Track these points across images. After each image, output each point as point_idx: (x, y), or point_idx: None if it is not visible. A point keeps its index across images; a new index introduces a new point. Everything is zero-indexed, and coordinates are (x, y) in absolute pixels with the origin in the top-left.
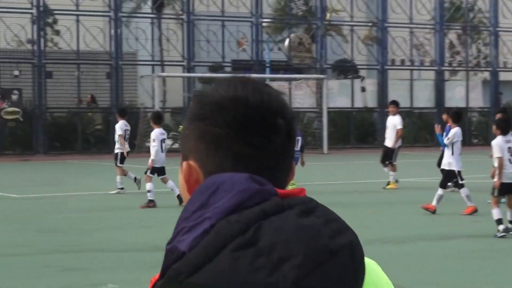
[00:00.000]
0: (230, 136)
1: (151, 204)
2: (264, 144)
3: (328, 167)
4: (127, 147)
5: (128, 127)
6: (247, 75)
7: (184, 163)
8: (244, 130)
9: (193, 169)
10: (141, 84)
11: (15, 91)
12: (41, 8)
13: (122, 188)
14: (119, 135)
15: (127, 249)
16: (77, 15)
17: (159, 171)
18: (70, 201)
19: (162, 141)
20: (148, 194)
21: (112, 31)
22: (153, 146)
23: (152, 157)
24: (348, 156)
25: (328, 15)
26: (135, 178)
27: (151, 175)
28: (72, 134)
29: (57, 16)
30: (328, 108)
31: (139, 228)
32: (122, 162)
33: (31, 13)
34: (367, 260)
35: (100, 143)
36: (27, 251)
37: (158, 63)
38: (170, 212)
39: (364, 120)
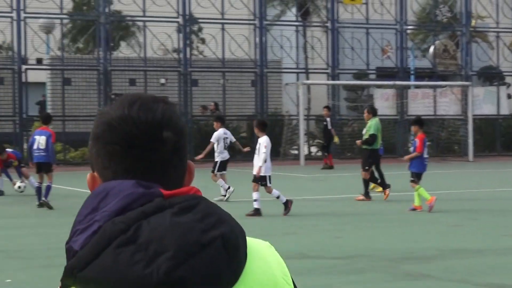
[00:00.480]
0: (120, 152)
1: (256, 213)
2: (151, 156)
3: (473, 175)
4: (224, 156)
5: (228, 135)
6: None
7: (88, 174)
8: (131, 146)
9: (96, 178)
10: (285, 92)
11: None
12: (187, 17)
13: (226, 194)
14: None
15: None
16: (222, 23)
17: (264, 178)
18: None
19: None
20: (254, 203)
21: (257, 39)
22: (264, 153)
23: (260, 163)
24: (493, 164)
25: (473, 21)
26: (229, 187)
27: (270, 184)
28: None
29: (202, 25)
30: (474, 115)
31: (284, 235)
32: (220, 169)
33: (177, 22)
34: (255, 245)
35: None
36: None
37: (303, 70)
38: (315, 219)
39: (510, 127)
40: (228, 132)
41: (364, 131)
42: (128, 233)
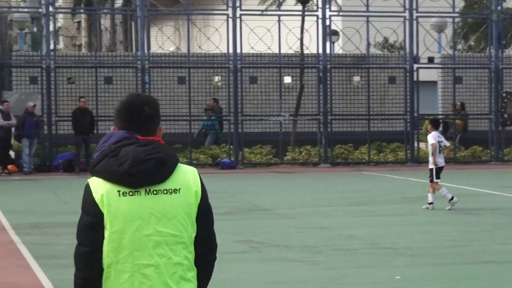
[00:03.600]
0: (124, 116)
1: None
2: (137, 117)
3: None
4: (439, 161)
5: (442, 139)
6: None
7: (112, 127)
8: (127, 111)
9: (115, 129)
10: None
11: None
12: None
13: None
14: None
15: None
16: None
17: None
18: None
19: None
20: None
21: None
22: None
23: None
24: None
25: None
26: (452, 198)
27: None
28: None
29: None
30: None
31: None
32: (438, 177)
33: None
34: (184, 167)
35: None
36: None
37: None
38: None
39: None
40: (442, 136)
41: None
42: (114, 152)
